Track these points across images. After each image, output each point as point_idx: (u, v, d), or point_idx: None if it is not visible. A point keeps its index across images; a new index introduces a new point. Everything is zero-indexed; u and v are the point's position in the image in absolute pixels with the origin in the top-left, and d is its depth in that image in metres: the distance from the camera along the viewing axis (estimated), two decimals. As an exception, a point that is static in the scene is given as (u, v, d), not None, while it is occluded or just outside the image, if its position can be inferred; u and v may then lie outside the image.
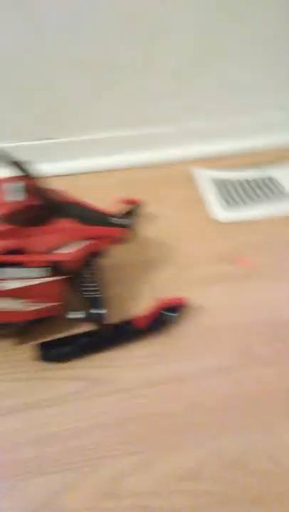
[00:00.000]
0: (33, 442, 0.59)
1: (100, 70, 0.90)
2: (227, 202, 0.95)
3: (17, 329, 0.67)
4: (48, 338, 0.69)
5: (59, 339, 0.69)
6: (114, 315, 0.69)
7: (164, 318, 0.69)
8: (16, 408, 0.62)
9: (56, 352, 0.68)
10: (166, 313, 0.69)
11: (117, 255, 0.79)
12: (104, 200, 0.70)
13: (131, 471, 0.57)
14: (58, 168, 0.74)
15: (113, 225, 0.67)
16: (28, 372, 0.66)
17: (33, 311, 0.63)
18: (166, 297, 0.70)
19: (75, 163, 0.99)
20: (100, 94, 0.94)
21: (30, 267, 0.59)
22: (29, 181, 0.62)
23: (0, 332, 0.66)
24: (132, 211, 0.87)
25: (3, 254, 0.57)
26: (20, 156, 0.61)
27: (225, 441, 0.59)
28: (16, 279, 0.59)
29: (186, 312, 0.72)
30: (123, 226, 0.68)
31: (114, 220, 0.67)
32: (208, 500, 0.55)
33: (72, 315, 0.63)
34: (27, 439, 0.60)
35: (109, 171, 1.01)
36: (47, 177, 0.64)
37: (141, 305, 0.75)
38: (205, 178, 1.00)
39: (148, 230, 0.85)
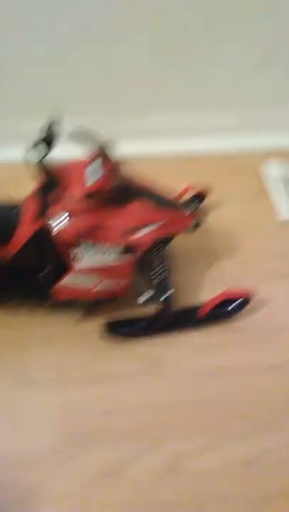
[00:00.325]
0: (100, 414, 0.63)
1: (173, 53, 0.90)
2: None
3: (86, 306, 0.70)
4: (114, 317, 0.72)
5: (123, 319, 0.72)
6: (177, 300, 0.71)
7: (228, 309, 0.70)
8: (83, 381, 0.66)
9: (119, 331, 0.70)
10: (230, 304, 0.70)
11: (181, 242, 0.80)
12: (170, 186, 0.71)
13: (195, 452, 0.59)
14: (125, 151, 0.76)
15: (185, 212, 0.68)
16: (95, 348, 0.69)
17: (103, 289, 0.66)
18: (232, 288, 0.71)
19: (141, 147, 1.00)
20: (170, 79, 0.94)
21: (105, 246, 0.61)
22: (108, 163, 0.64)
23: (70, 307, 0.69)
24: (197, 199, 0.87)
25: (81, 233, 0.60)
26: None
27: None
28: (91, 257, 0.61)
29: (248, 305, 0.72)
30: (194, 213, 0.69)
31: (185, 206, 0.68)
32: (272, 488, 0.56)
33: (141, 297, 0.65)
34: (93, 411, 0.63)
35: (176, 157, 1.01)
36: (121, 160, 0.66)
37: (203, 293, 0.76)
38: (274, 172, 0.99)
39: (212, 219, 0.85)
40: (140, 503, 0.55)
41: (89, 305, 0.70)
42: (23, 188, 0.90)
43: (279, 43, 0.92)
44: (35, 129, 0.94)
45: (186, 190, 0.85)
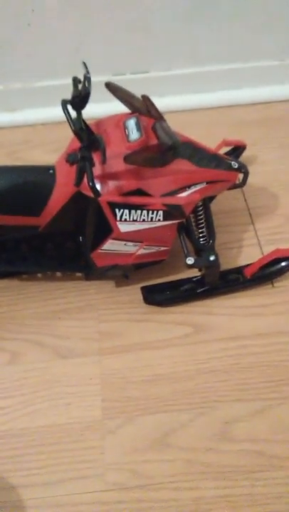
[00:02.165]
0: (143, 382, 0.61)
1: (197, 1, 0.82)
2: None
3: (125, 271, 0.67)
4: (151, 282, 0.69)
5: (163, 283, 0.69)
6: (220, 262, 0.67)
7: (276, 268, 0.66)
8: (124, 348, 0.64)
9: (160, 296, 0.68)
10: (279, 263, 0.66)
11: (220, 201, 0.75)
12: (204, 139, 0.66)
13: (244, 417, 0.57)
14: (156, 104, 0.71)
15: (229, 169, 0.63)
16: (134, 314, 0.67)
17: (143, 254, 0.63)
18: (281, 248, 0.67)
19: (171, 99, 0.94)
20: (200, 23, 0.86)
21: (147, 209, 0.57)
22: (150, 117, 0.59)
23: (109, 273, 0.66)
24: (235, 152, 0.82)
25: (122, 195, 0.56)
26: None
27: None
28: (132, 221, 0.58)
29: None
30: (239, 170, 0.64)
31: (230, 163, 0.63)
32: None
33: (187, 259, 0.61)
34: (137, 378, 0.61)
35: (207, 108, 0.94)
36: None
37: (246, 254, 0.72)
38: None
39: (252, 175, 0.80)
40: (191, 471, 0.54)
41: (129, 270, 0.67)
42: (36, 151, 0.89)
43: None
44: (46, 90, 0.92)
45: (223, 144, 0.80)
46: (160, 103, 0.92)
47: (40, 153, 0.88)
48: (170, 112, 0.93)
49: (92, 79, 0.58)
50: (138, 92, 0.64)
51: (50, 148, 0.88)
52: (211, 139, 0.77)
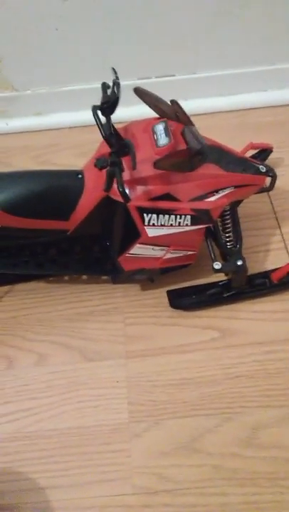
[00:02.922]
0: (170, 386, 0.61)
1: (219, 2, 0.82)
2: None
3: (152, 275, 0.67)
4: (177, 286, 0.69)
5: (189, 287, 0.69)
6: (248, 266, 0.67)
7: (304, 274, 0.66)
8: (150, 352, 0.64)
9: (186, 300, 0.68)
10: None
11: (246, 204, 0.75)
12: (229, 142, 0.66)
13: (272, 424, 0.57)
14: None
15: (257, 173, 0.62)
16: (160, 317, 0.67)
17: (170, 258, 0.63)
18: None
19: (195, 102, 0.94)
20: (225, 27, 0.85)
21: (175, 214, 0.57)
22: (179, 122, 0.59)
23: (136, 277, 0.67)
24: (261, 157, 0.81)
25: (151, 200, 0.56)
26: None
27: None
28: (160, 226, 0.58)
29: None
30: (267, 174, 0.63)
31: (258, 166, 0.63)
32: None
33: (214, 263, 0.61)
34: (163, 382, 0.61)
35: (233, 111, 0.94)
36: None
37: (273, 258, 0.72)
38: None
39: (277, 178, 0.79)
40: (218, 477, 0.54)
41: (156, 274, 0.67)
42: (63, 155, 0.90)
43: None
44: (73, 94, 0.92)
45: (249, 147, 0.79)
46: (185, 106, 0.93)
47: (66, 157, 0.89)
48: (195, 114, 0.92)
49: (120, 83, 0.58)
50: (163, 96, 0.64)
51: (76, 152, 0.89)
52: (236, 141, 0.76)
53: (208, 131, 0.66)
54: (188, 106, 0.93)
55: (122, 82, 0.60)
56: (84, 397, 0.61)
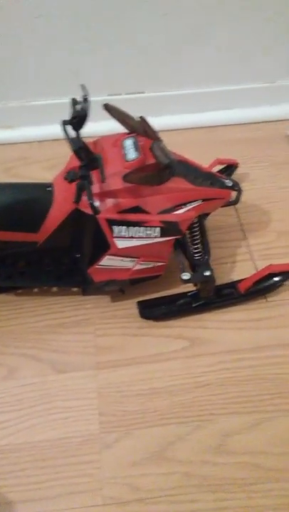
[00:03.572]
0: (140, 395, 0.62)
1: (188, 23, 0.86)
2: None
3: (122, 286, 0.68)
4: (147, 297, 0.70)
5: (159, 298, 0.70)
6: (215, 277, 0.69)
7: (269, 283, 0.68)
8: (121, 362, 0.65)
9: (156, 311, 0.69)
10: (271, 278, 0.68)
11: (214, 217, 0.77)
12: (197, 158, 0.68)
13: (241, 430, 0.58)
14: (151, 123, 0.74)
15: (223, 187, 0.65)
16: (130, 328, 0.68)
17: (139, 269, 0.64)
18: (275, 263, 0.69)
19: (164, 119, 0.97)
20: (194, 48, 0.89)
21: (145, 226, 0.59)
22: (147, 137, 0.61)
23: (106, 288, 0.67)
24: (227, 172, 0.84)
25: (120, 212, 0.57)
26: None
27: None
28: (130, 238, 0.59)
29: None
30: (233, 188, 0.66)
31: (224, 181, 0.65)
32: None
33: (182, 274, 0.63)
34: (134, 392, 0.62)
35: (200, 128, 0.97)
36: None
37: (240, 269, 0.74)
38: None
39: (243, 192, 0.82)
40: (189, 484, 0.55)
41: (125, 285, 0.68)
42: (33, 168, 0.90)
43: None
44: (44, 108, 0.94)
45: (216, 162, 0.82)
46: (155, 122, 0.96)
47: (36, 170, 0.90)
48: (165, 130, 0.96)
49: (89, 99, 0.60)
50: (133, 112, 0.66)
51: (46, 165, 0.90)
52: (204, 157, 0.79)
53: (178, 147, 0.68)
54: (158, 122, 0.96)
55: (93, 98, 0.62)
56: (54, 409, 0.60)
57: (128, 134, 0.62)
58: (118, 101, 0.94)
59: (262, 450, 0.57)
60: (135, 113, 0.68)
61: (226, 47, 0.90)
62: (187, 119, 0.97)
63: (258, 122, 0.98)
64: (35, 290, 0.71)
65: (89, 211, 0.55)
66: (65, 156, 0.62)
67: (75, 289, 0.71)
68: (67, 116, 0.55)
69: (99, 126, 0.72)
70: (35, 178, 0.87)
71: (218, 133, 0.96)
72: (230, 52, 0.90)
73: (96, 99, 0.64)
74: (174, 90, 0.95)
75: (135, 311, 0.69)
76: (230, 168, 0.84)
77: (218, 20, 0.85)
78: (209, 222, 0.76)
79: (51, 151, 0.93)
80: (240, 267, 0.75)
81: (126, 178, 0.56)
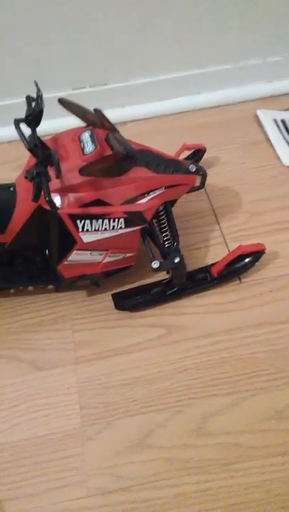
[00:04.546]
0: (120, 386, 0.62)
1: (147, 6, 0.85)
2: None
3: (93, 280, 0.68)
4: (123, 288, 0.71)
5: (133, 289, 0.70)
6: (187, 263, 0.69)
7: (241, 264, 0.68)
8: (99, 355, 0.65)
9: (131, 301, 0.69)
10: (243, 260, 0.68)
11: (184, 203, 0.77)
12: (165, 146, 0.68)
13: (219, 411, 0.59)
14: (113, 114, 0.73)
15: (187, 172, 0.65)
16: (107, 321, 0.68)
17: (109, 262, 0.64)
18: (244, 244, 0.69)
19: (131, 109, 0.96)
20: (153, 34, 0.88)
21: (108, 218, 0.59)
22: (103, 129, 0.61)
23: (78, 283, 0.68)
24: (196, 155, 0.84)
25: (82, 206, 0.57)
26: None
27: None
28: (95, 231, 0.59)
29: (261, 259, 0.71)
30: (197, 173, 0.66)
31: (187, 166, 0.65)
32: None
33: (153, 263, 0.63)
34: (113, 383, 0.63)
35: (167, 115, 0.97)
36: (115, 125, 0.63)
37: (213, 253, 0.74)
38: (269, 119, 0.94)
39: (213, 176, 0.83)
40: (172, 469, 0.56)
41: (98, 278, 0.68)
42: (2, 168, 0.90)
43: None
44: (9, 108, 0.93)
45: (183, 148, 0.82)
46: (121, 113, 0.96)
47: (6, 171, 0.90)
48: (131, 120, 0.96)
49: (53, 94, 0.59)
50: (98, 104, 0.65)
51: (15, 165, 0.89)
52: (172, 144, 0.79)
53: (145, 136, 0.68)
54: (124, 113, 0.97)
55: (58, 94, 0.61)
56: (35, 407, 0.61)
57: (85, 127, 0.62)
58: (83, 94, 0.95)
59: (241, 429, 0.58)
60: (101, 105, 0.67)
61: (184, 31, 0.89)
62: (153, 108, 0.96)
63: (225, 105, 0.97)
64: (11, 291, 0.72)
65: (49, 208, 0.55)
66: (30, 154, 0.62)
67: (50, 287, 0.71)
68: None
69: (66, 121, 0.71)
70: (4, 179, 0.86)
71: (186, 119, 0.96)
72: (190, 36, 0.89)
73: (61, 94, 0.64)
74: (137, 80, 0.94)
75: (111, 303, 0.69)
76: (198, 153, 0.84)
77: (173, 4, 0.85)
78: (181, 208, 0.77)
79: (21, 151, 0.92)
80: (213, 250, 0.75)
81: (83, 171, 0.56)
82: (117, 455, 0.57)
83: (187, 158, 0.84)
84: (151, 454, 0.57)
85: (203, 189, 0.74)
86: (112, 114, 0.64)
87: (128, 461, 0.57)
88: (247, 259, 0.68)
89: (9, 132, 0.96)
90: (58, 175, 0.53)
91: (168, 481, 0.55)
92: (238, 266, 0.69)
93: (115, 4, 0.83)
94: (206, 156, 0.85)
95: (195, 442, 0.57)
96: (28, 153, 0.61)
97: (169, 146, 0.72)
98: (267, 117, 0.95)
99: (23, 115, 0.59)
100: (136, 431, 0.59)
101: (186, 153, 0.84)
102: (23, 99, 0.91)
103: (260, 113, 0.95)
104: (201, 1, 0.85)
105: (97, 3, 0.83)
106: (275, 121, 0.94)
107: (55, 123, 0.72)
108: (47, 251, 0.65)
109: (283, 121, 0.94)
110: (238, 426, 0.58)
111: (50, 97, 0.61)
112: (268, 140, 0.91)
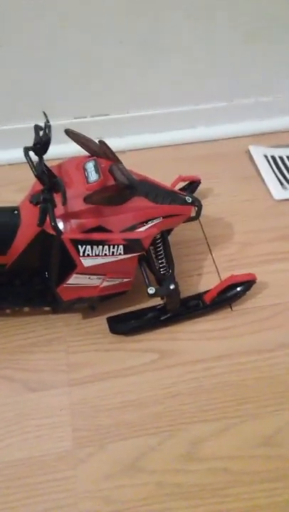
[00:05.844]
0: (113, 409, 0.63)
1: (148, 46, 0.90)
2: (284, 179, 0.95)
3: (91, 303, 0.70)
4: (118, 312, 0.72)
5: (128, 313, 0.72)
6: (180, 290, 0.71)
7: (233, 293, 0.71)
8: (93, 378, 0.66)
9: (125, 325, 0.71)
10: (234, 288, 0.71)
11: (179, 232, 0.80)
12: (160, 175, 0.72)
13: (210, 437, 0.60)
14: (112, 143, 0.77)
15: (184, 203, 0.68)
16: (101, 344, 0.70)
17: (107, 286, 0.66)
18: (236, 274, 0.72)
19: (130, 139, 1.00)
20: (150, 72, 0.93)
21: (108, 244, 0.61)
22: (107, 160, 0.64)
23: (75, 306, 0.69)
24: (191, 187, 0.88)
25: (84, 232, 0.60)
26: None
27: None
28: (95, 256, 0.61)
29: (252, 288, 0.73)
30: (193, 204, 0.69)
31: (184, 197, 0.68)
32: (284, 466, 0.58)
33: (148, 289, 0.65)
34: (106, 406, 0.63)
35: (163, 147, 1.01)
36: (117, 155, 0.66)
37: (206, 281, 0.77)
38: (260, 154, 1.00)
39: (207, 206, 0.86)
40: (162, 493, 0.56)
41: (94, 302, 0.70)
42: (3, 190, 0.92)
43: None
44: (12, 133, 0.96)
45: (179, 180, 0.86)
46: (120, 143, 1.00)
47: (7, 192, 0.92)
48: (130, 150, 1.00)
49: (55, 122, 0.62)
50: (99, 133, 0.68)
51: (16, 188, 0.91)
52: (168, 175, 0.83)
53: (142, 166, 0.71)
54: (123, 143, 1.00)
55: (60, 122, 0.64)
56: (28, 428, 0.61)
57: (90, 157, 0.65)
58: (84, 123, 0.99)
59: (231, 455, 0.59)
60: (101, 134, 0.71)
61: (182, 70, 0.94)
62: (151, 139, 1.01)
63: (219, 139, 1.02)
64: (7, 311, 0.73)
65: (53, 232, 0.57)
66: (34, 179, 0.64)
67: (46, 308, 0.72)
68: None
69: (68, 148, 0.74)
70: (5, 200, 0.87)
71: (182, 151, 1.00)
72: (187, 75, 0.95)
73: (63, 122, 0.67)
74: (137, 112, 0.99)
75: (106, 326, 0.71)
76: (193, 184, 0.88)
77: (174, 45, 0.90)
78: (176, 236, 0.79)
79: (21, 174, 0.94)
80: (206, 279, 0.78)
81: (87, 199, 0.59)
82: (109, 478, 0.58)
83: (182, 188, 0.87)
84: (143, 478, 0.58)
85: (196, 220, 0.77)
86: (111, 144, 0.68)
87: (119, 484, 0.57)
88: (238, 288, 0.71)
89: (10, 155, 1.00)
90: (65, 202, 0.55)
91: (158, 505, 0.56)
92: (230, 294, 0.71)
93: (120, 41, 0.88)
94: (199, 187, 0.89)
95: (186, 467, 0.58)
96: (30, 177, 0.63)
97: (164, 176, 0.75)
98: (258, 153, 1.00)
99: (24, 140, 0.61)
100: (127, 454, 0.59)
101: (181, 184, 0.88)
102: (25, 125, 0.96)
103: (252, 149, 1.01)
104: (198, 45, 0.91)
105: (103, 40, 0.87)
106: (266, 157, 0.99)
107: (56, 149, 0.75)
108: (46, 273, 0.67)
109: (273, 157, 0.99)
110: (228, 451, 0.59)
111: (52, 124, 0.65)
112: (259, 175, 0.96)
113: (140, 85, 0.96)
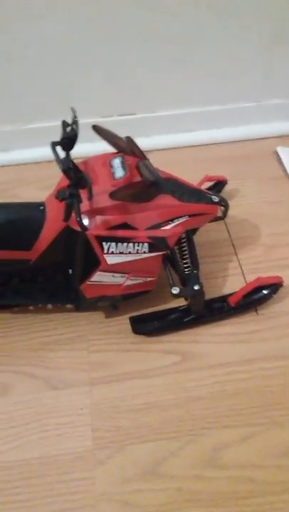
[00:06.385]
0: (133, 411, 0.62)
1: (174, 46, 0.89)
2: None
3: (112, 302, 0.69)
4: (140, 312, 0.71)
5: (151, 313, 0.71)
6: (204, 291, 0.69)
7: (259, 296, 0.69)
8: (114, 378, 0.65)
9: (148, 326, 0.70)
10: (261, 291, 0.69)
11: (205, 233, 0.79)
12: (186, 175, 0.70)
13: (232, 444, 0.58)
14: (138, 143, 0.76)
15: (210, 202, 0.66)
16: (123, 344, 0.69)
17: (130, 285, 0.65)
18: (263, 276, 0.70)
19: (156, 138, 0.99)
20: (181, 70, 0.92)
21: (133, 242, 0.60)
22: (133, 156, 0.63)
23: (98, 304, 0.68)
24: (217, 187, 0.86)
25: (109, 229, 0.59)
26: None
27: None
28: (119, 253, 0.61)
29: (279, 291, 0.71)
30: (219, 203, 0.67)
31: (210, 197, 0.67)
32: None
33: (172, 289, 0.64)
34: (127, 407, 0.62)
35: (189, 147, 1.00)
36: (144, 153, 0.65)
37: (231, 283, 0.75)
38: (288, 155, 0.97)
39: (233, 207, 0.84)
40: (182, 499, 0.55)
41: (117, 301, 0.69)
42: (28, 188, 0.93)
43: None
44: (38, 131, 0.97)
45: (205, 179, 0.84)
46: (146, 142, 0.99)
47: (31, 190, 0.92)
48: (156, 150, 0.99)
49: (82, 121, 0.62)
50: (125, 132, 0.68)
51: (42, 185, 0.92)
52: (194, 174, 0.82)
53: (168, 165, 0.70)
54: (149, 142, 1.00)
55: (87, 120, 0.64)
56: (48, 426, 0.61)
57: (116, 153, 0.64)
58: (110, 122, 0.98)
59: (254, 463, 0.57)
60: (127, 133, 0.70)
61: (210, 70, 0.92)
62: (178, 139, 1.00)
63: (247, 140, 1.00)
64: (30, 308, 0.72)
65: (78, 228, 0.56)
66: (59, 176, 0.64)
67: (69, 306, 0.72)
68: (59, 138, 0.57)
69: (94, 147, 0.74)
70: (31, 198, 0.88)
71: (209, 151, 0.99)
72: (215, 75, 0.93)
73: (90, 121, 0.66)
74: (164, 111, 0.98)
75: (128, 326, 0.70)
76: (219, 184, 0.86)
77: (202, 43, 0.89)
78: (201, 237, 0.78)
79: (46, 172, 0.95)
80: (230, 280, 0.76)
81: (113, 195, 0.58)
82: (127, 482, 0.56)
83: (208, 188, 0.86)
84: (162, 483, 0.56)
85: (222, 220, 0.76)
86: (137, 143, 0.67)
87: (138, 488, 0.56)
88: (265, 291, 0.69)
89: (36, 154, 1.00)
90: (91, 197, 0.54)
91: (177, 511, 0.54)
92: (256, 297, 0.69)
93: (148, 41, 0.87)
94: (226, 188, 0.88)
95: (207, 473, 0.57)
96: (55, 175, 0.63)
97: (190, 176, 0.73)
98: (286, 154, 0.98)
99: (50, 139, 0.61)
100: (147, 458, 0.58)
101: (207, 184, 0.87)
102: (50, 124, 0.96)
103: (279, 150, 0.98)
104: (225, 45, 0.90)
105: (129, 38, 0.87)
106: (295, 158, 0.97)
107: (82, 148, 0.75)
108: (70, 270, 0.66)
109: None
110: (250, 459, 0.57)
111: (79, 122, 0.64)
112: (287, 176, 0.93)
113: (166, 85, 0.95)
